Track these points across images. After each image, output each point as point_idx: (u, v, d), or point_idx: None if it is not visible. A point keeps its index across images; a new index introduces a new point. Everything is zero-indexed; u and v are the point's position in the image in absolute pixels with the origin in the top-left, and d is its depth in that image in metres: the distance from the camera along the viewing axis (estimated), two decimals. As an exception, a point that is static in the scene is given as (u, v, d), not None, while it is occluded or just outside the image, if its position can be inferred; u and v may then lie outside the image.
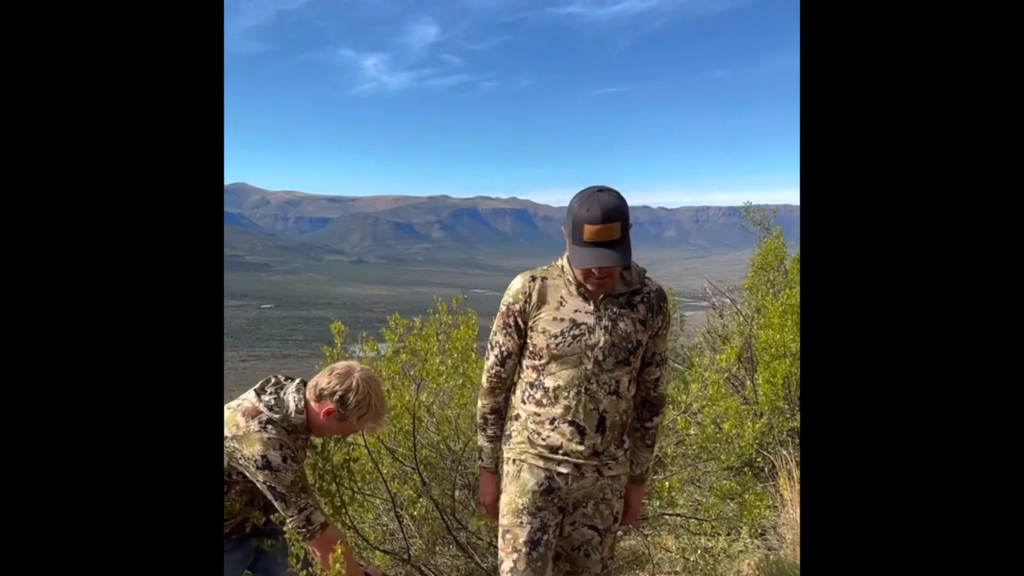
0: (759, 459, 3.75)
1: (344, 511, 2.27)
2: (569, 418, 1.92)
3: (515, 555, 1.91)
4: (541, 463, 1.96)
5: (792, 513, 3.33)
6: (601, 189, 1.82)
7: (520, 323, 1.97)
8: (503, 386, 2.05)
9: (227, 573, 2.09)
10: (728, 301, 5.81)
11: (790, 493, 3.49)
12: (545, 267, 2.01)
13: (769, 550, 3.23)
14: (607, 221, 1.76)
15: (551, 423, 1.94)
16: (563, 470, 1.94)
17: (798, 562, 2.88)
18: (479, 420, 2.10)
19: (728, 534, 3.40)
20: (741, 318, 5.03)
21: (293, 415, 2.00)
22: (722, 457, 3.53)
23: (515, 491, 1.97)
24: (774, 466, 3.64)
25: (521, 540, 1.91)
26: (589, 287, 1.90)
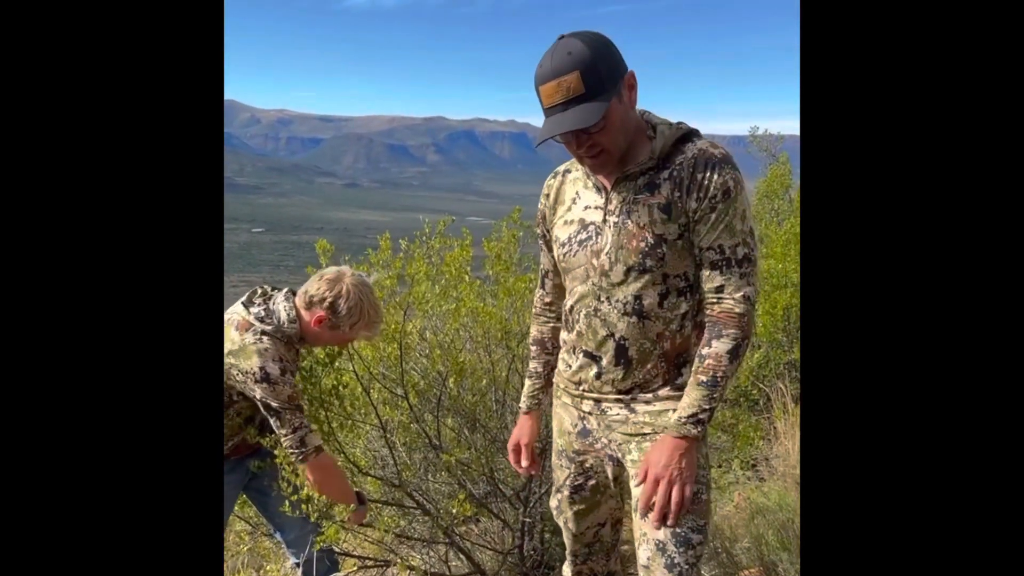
0: (754, 391, 3.72)
1: (333, 437, 2.20)
2: (583, 346, 1.53)
3: (559, 495, 1.69)
4: (570, 400, 1.63)
5: (785, 445, 3.32)
6: (566, 35, 1.35)
7: (546, 232, 1.61)
8: (547, 312, 1.71)
9: (224, 494, 2.03)
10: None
11: (783, 426, 3.48)
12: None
13: (761, 481, 3.23)
14: (558, 75, 1.31)
15: (573, 352, 1.57)
16: (585, 408, 1.59)
17: (787, 494, 2.88)
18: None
19: (719, 466, 3.40)
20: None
21: (286, 325, 1.89)
22: (717, 388, 3.50)
23: (555, 430, 1.69)
24: (769, 399, 3.61)
25: (562, 482, 1.67)
26: (587, 170, 1.49)
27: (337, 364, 2.23)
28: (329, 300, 1.88)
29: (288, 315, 1.90)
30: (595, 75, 1.31)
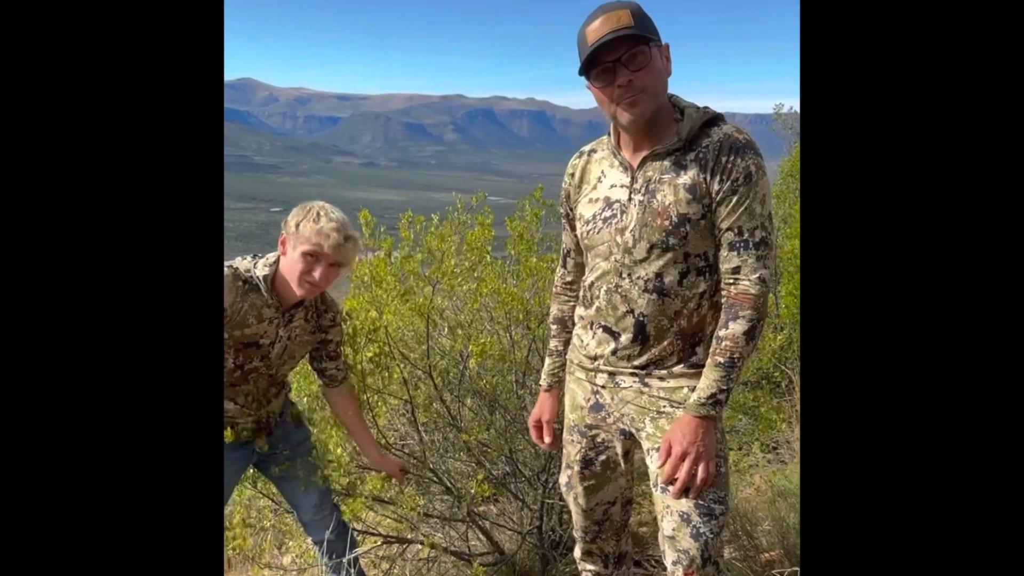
0: (776, 373, 3.68)
1: (369, 408, 2.22)
2: (601, 322, 1.56)
3: (569, 471, 1.71)
4: (584, 375, 1.64)
5: (807, 429, 3.29)
6: None
7: (569, 211, 1.65)
8: (568, 291, 1.74)
9: (225, 472, 1.96)
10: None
11: (805, 409, 3.44)
12: (600, 138, 1.63)
13: (782, 464, 3.21)
14: (609, 10, 1.40)
15: (590, 328, 1.60)
16: (599, 382, 1.61)
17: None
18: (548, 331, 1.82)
19: (739, 448, 3.38)
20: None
21: (254, 267, 1.87)
22: (739, 371, 3.47)
23: (567, 405, 1.71)
24: (791, 381, 3.57)
25: (573, 457, 1.69)
26: (621, 119, 1.45)
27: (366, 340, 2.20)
28: (290, 222, 1.86)
29: (266, 259, 1.89)
30: (643, 18, 1.41)
